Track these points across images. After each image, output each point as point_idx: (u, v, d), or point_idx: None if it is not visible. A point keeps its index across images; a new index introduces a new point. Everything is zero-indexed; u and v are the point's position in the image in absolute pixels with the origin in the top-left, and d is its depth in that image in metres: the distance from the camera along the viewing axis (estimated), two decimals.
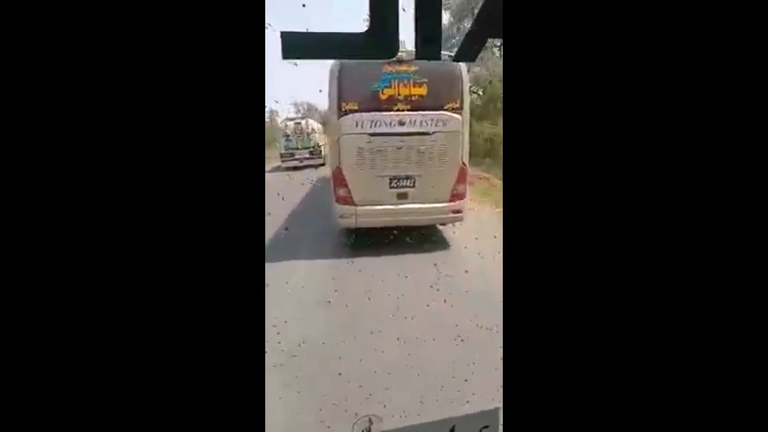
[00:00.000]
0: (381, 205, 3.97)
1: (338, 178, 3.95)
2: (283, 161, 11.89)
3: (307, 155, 11.89)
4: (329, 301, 3.05)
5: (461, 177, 4.01)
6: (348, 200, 3.98)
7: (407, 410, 1.75)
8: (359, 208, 3.98)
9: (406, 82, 3.70)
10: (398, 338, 2.40)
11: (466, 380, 1.97)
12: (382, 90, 3.71)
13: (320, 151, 11.85)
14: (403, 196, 3.99)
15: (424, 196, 3.97)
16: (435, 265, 3.44)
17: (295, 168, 11.54)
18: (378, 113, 3.74)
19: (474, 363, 2.05)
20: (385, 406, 1.79)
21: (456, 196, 4.04)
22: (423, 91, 3.71)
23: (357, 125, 3.76)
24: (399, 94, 3.72)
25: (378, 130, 3.77)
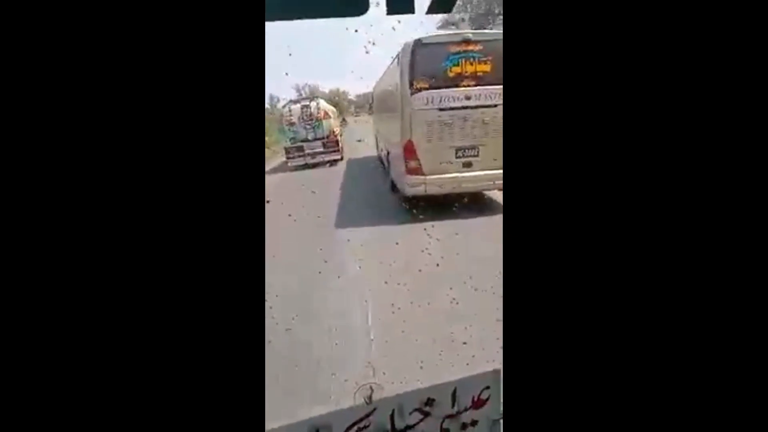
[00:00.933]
0: (448, 173, 4.40)
1: (409, 151, 4.35)
2: (288, 158, 9.12)
3: (321, 148, 9.09)
4: (320, 272, 3.09)
5: None
6: (418, 171, 4.39)
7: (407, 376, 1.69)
8: (428, 177, 4.40)
9: (472, 60, 4.12)
10: (392, 304, 2.39)
11: (464, 343, 1.98)
12: (450, 68, 4.12)
13: (337, 141, 9.24)
14: (468, 165, 4.42)
15: (487, 164, 4.40)
16: (425, 229, 3.60)
17: (305, 166, 8.94)
18: (446, 90, 4.15)
19: (471, 326, 2.08)
20: (384, 374, 1.76)
21: None
22: (487, 67, 4.14)
23: (428, 101, 4.17)
24: (465, 72, 4.14)
25: (447, 105, 4.19)
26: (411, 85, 4.15)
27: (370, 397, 0.74)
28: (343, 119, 15.69)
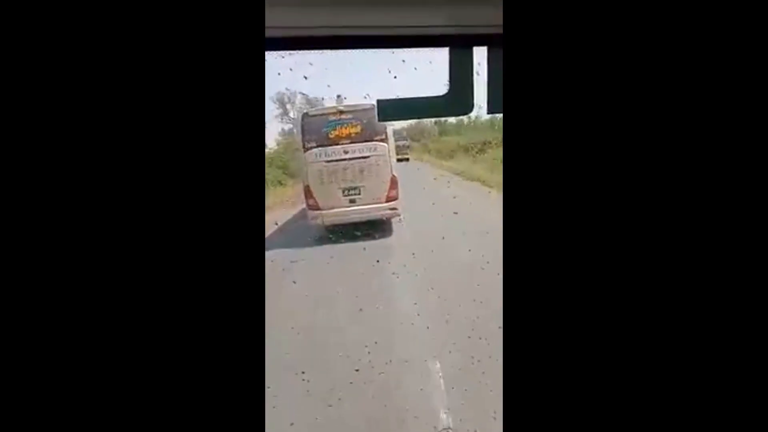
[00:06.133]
0: (339, 208, 5.80)
1: (308, 193, 5.83)
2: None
3: None
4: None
5: (393, 184, 5.82)
6: (316, 207, 5.84)
7: None
8: (324, 211, 5.82)
9: (345, 125, 5.60)
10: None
11: None
12: (330, 131, 5.62)
13: None
14: (353, 201, 5.82)
15: (368, 199, 5.79)
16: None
17: None
18: (329, 147, 5.64)
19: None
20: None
21: (390, 198, 5.85)
22: (357, 130, 5.61)
23: (316, 156, 5.66)
24: (341, 134, 5.63)
25: (331, 158, 5.66)
26: (303, 145, 5.68)
27: None
28: None
